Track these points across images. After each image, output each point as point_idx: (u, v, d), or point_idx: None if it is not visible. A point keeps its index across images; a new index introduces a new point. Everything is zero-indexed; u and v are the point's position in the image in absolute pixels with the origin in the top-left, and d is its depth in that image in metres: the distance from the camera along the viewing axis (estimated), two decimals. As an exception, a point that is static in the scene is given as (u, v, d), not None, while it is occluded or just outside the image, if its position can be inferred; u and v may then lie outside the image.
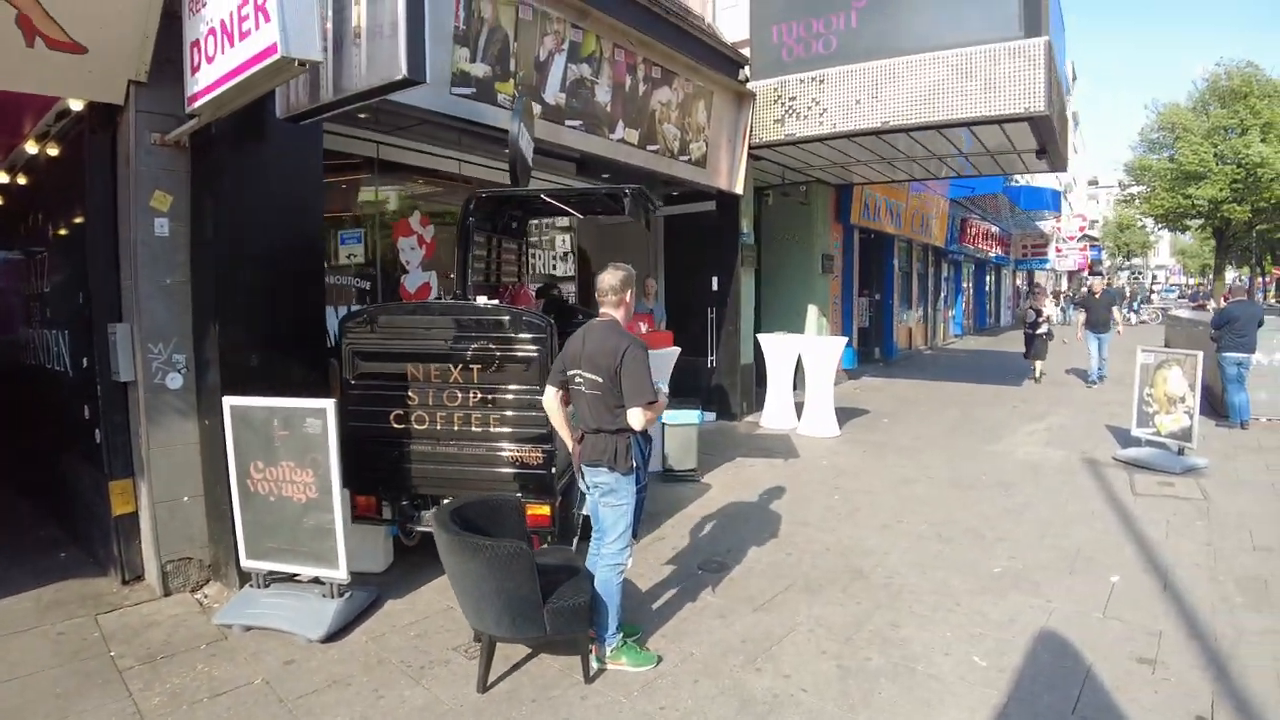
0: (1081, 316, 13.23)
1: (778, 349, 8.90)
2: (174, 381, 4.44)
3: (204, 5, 4.04)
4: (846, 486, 6.54)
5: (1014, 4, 7.32)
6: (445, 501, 4.02)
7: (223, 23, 3.88)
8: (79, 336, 4.88)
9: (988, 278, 26.94)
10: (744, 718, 3.13)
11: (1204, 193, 29.56)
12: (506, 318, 4.15)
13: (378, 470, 4.40)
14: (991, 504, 6.03)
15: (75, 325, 4.94)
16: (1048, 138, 8.28)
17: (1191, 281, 65.16)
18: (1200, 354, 7.37)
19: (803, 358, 8.76)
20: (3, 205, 6.35)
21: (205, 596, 4.37)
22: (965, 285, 24.56)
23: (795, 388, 9.16)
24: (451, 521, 3.34)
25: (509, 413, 4.18)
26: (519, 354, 4.12)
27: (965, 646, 3.68)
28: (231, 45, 3.82)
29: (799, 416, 8.93)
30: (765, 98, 8.61)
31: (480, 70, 5.67)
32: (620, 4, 6.76)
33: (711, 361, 9.50)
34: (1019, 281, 33.15)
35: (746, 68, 8.76)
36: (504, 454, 4.20)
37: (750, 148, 8.87)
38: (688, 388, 9.58)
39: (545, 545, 4.24)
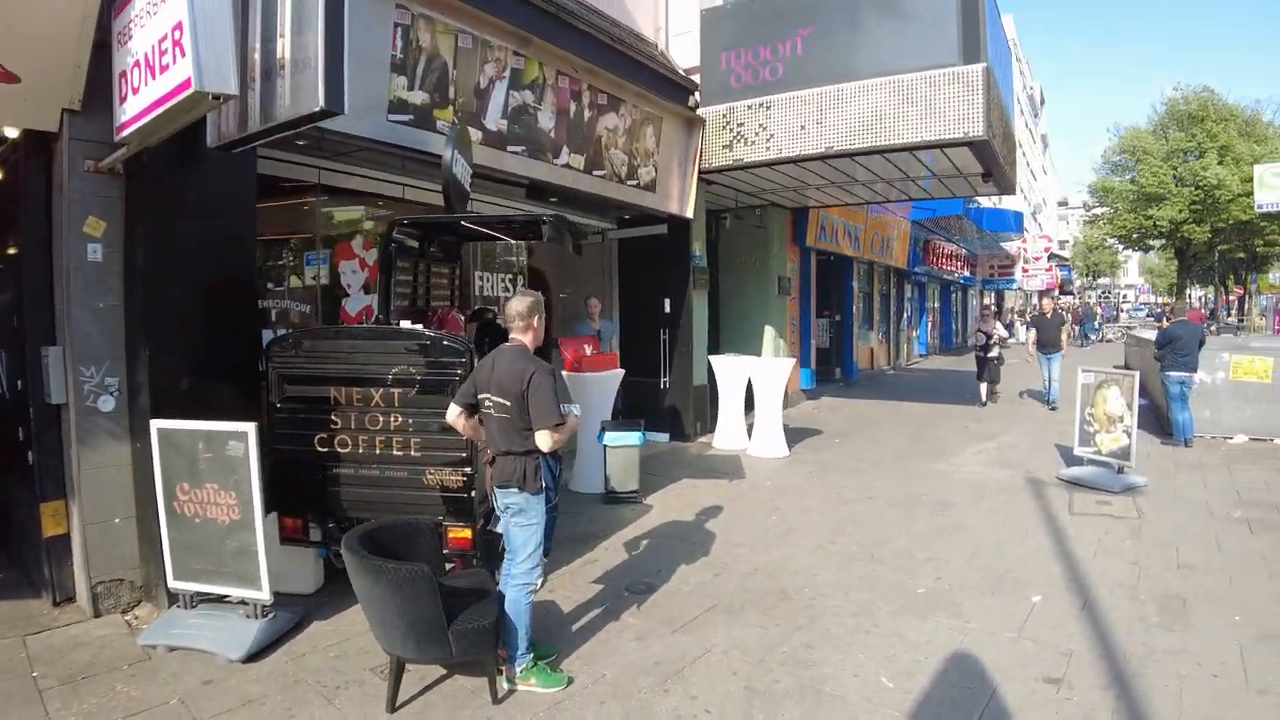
0: (1033, 336, 13.21)
1: (728, 370, 8.97)
2: (106, 404, 4.49)
3: (130, 38, 4.12)
4: (786, 507, 6.58)
5: (953, 32, 7.50)
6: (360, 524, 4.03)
7: (146, 55, 3.96)
8: (15, 359, 4.92)
9: (954, 298, 27.33)
10: (645, 742, 3.14)
11: (1164, 214, 30.25)
12: (426, 341, 4.19)
13: (304, 492, 4.43)
14: (927, 524, 6.10)
15: (11, 348, 4.98)
16: (990, 161, 8.46)
17: (1160, 300, 66.33)
18: (1137, 374, 7.53)
19: (752, 379, 8.83)
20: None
21: (135, 618, 4.40)
22: (930, 306, 24.89)
23: (749, 409, 9.22)
24: (361, 545, 3.39)
25: (429, 436, 4.20)
26: (438, 377, 4.16)
27: (876, 668, 3.71)
28: (154, 78, 3.90)
29: (750, 437, 8.98)
30: (715, 123, 8.74)
31: (418, 97, 5.72)
32: (564, 32, 6.86)
33: (665, 383, 9.55)
34: (988, 301, 33.59)
35: (697, 94, 8.90)
36: (425, 477, 4.22)
37: (701, 172, 8.98)
38: (641, 409, 9.63)
39: (469, 568, 4.25)
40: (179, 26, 3.59)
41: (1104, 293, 71.47)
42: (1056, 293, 44.58)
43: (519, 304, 3.65)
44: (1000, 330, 13.11)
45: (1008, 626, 4.17)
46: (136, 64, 4.07)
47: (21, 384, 4.79)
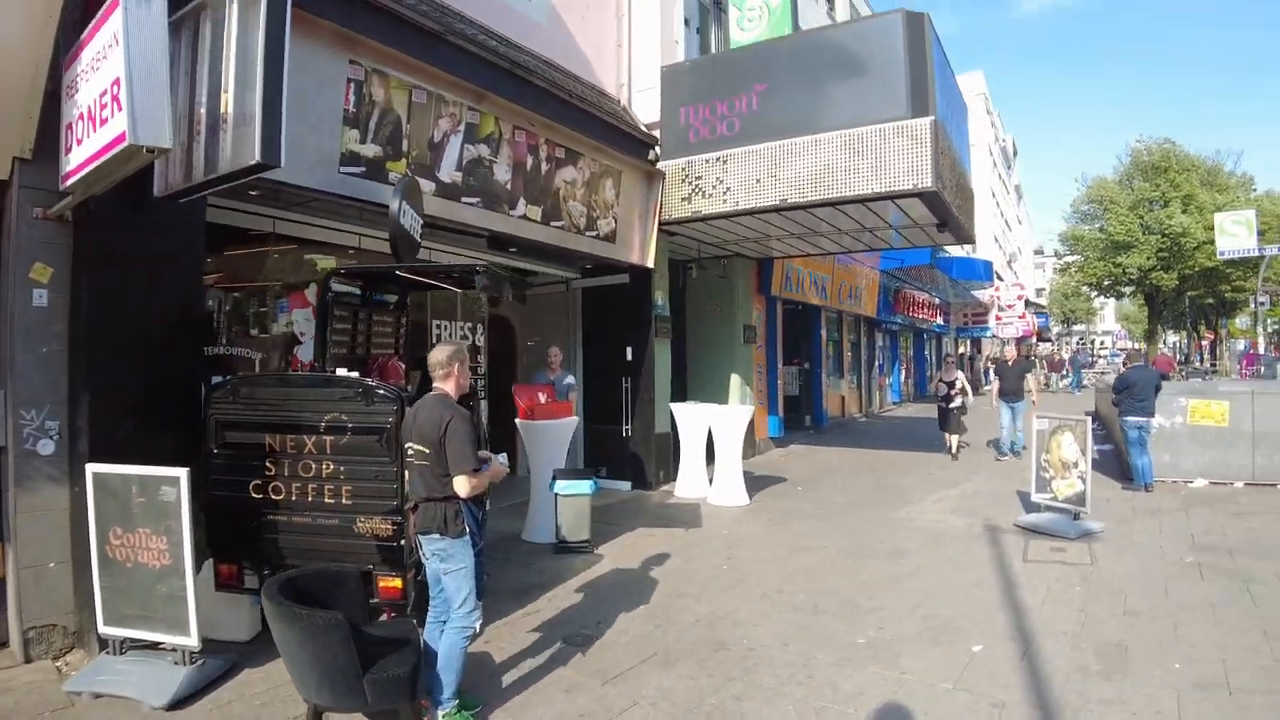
0: (995, 385, 12.76)
1: (689, 418, 8.99)
2: (45, 448, 4.46)
3: (77, 90, 4.24)
4: (739, 556, 6.54)
5: (902, 87, 7.75)
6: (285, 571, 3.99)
7: (89, 108, 4.07)
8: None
9: (927, 346, 27.62)
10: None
11: (1133, 261, 30.99)
12: (358, 389, 4.20)
13: (239, 539, 4.41)
14: (878, 573, 6.07)
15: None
16: (943, 212, 8.65)
17: (1136, 346, 67.47)
18: (1089, 419, 7.61)
19: (711, 427, 8.84)
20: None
21: (66, 663, 4.32)
22: (903, 353, 25.13)
23: (712, 457, 9.22)
24: (285, 592, 3.38)
25: (360, 484, 4.20)
26: (369, 425, 4.17)
27: (803, 720, 3.67)
28: (94, 130, 4.00)
29: (712, 485, 8.95)
30: (674, 176, 8.92)
31: (370, 150, 5.83)
32: (521, 89, 7.01)
33: (627, 431, 9.55)
34: (963, 349, 33.96)
35: (658, 147, 9.10)
36: (356, 525, 4.21)
37: (662, 224, 9.13)
38: (604, 457, 9.63)
39: (403, 617, 4.21)
40: (117, 81, 3.69)
41: (1081, 339, 72.44)
42: (1034, 340, 45.22)
43: (439, 353, 3.78)
44: (963, 379, 12.68)
45: (944, 677, 4.13)
46: (81, 116, 4.19)
47: (-37, 427, 4.75)
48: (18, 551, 4.33)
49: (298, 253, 6.84)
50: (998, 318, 31.03)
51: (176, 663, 4.03)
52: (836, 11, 17.98)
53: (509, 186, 7.07)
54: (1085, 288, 39.38)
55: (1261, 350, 25.35)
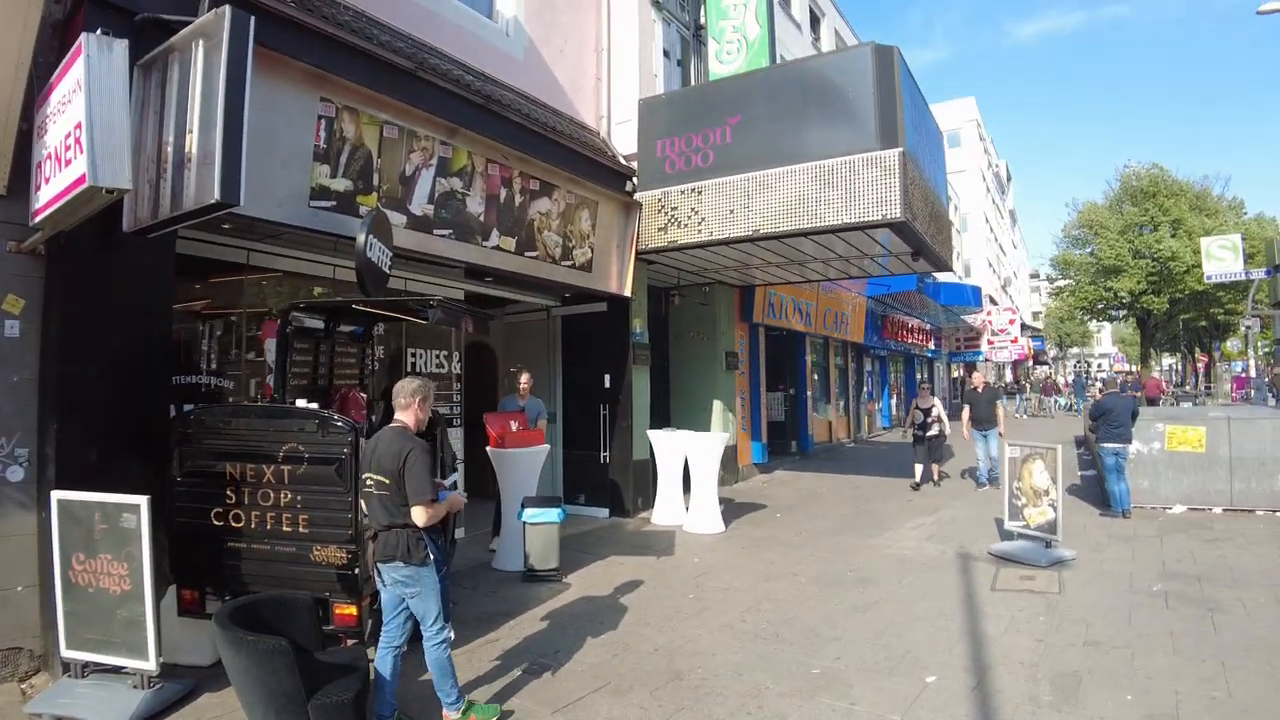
0: (966, 414, 12.22)
1: (666, 445, 9.04)
2: (15, 474, 4.60)
3: (46, 131, 4.39)
4: (707, 584, 6.56)
5: (871, 119, 7.90)
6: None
7: (56, 149, 4.23)
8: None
9: (918, 371, 27.69)
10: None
11: (1123, 285, 31.19)
12: (315, 421, 4.28)
13: (200, 565, 4.51)
14: (844, 601, 6.09)
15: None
16: (915, 241, 8.76)
17: (1133, 368, 67.56)
18: (1059, 447, 7.65)
19: (687, 455, 8.89)
20: None
21: (30, 686, 4.40)
22: (893, 379, 25.19)
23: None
24: (236, 618, 3.47)
25: (316, 513, 4.28)
26: (325, 455, 4.27)
27: (748, 751, 3.69)
28: (60, 170, 4.15)
29: (688, 512, 8.98)
30: (651, 207, 9.06)
31: (341, 185, 5.95)
32: (494, 123, 7.16)
33: (605, 457, 9.60)
34: (956, 374, 34.05)
35: (634, 178, 9.24)
36: (313, 553, 4.29)
37: (639, 253, 9.25)
38: (583, 483, 9.67)
39: (355, 644, 4.29)
40: (80, 125, 3.82)
41: (1078, 363, 72.53)
42: (1031, 363, 45.34)
43: (405, 385, 3.95)
44: (939, 408, 12.23)
45: (894, 708, 4.16)
46: (49, 155, 4.34)
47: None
48: (-13, 575, 4.43)
49: (273, 283, 6.94)
50: (990, 342, 31.17)
51: (135, 686, 4.12)
52: (822, 41, 18.31)
53: (482, 218, 7.18)
54: (1078, 312, 39.59)
55: (1253, 373, 25.41)
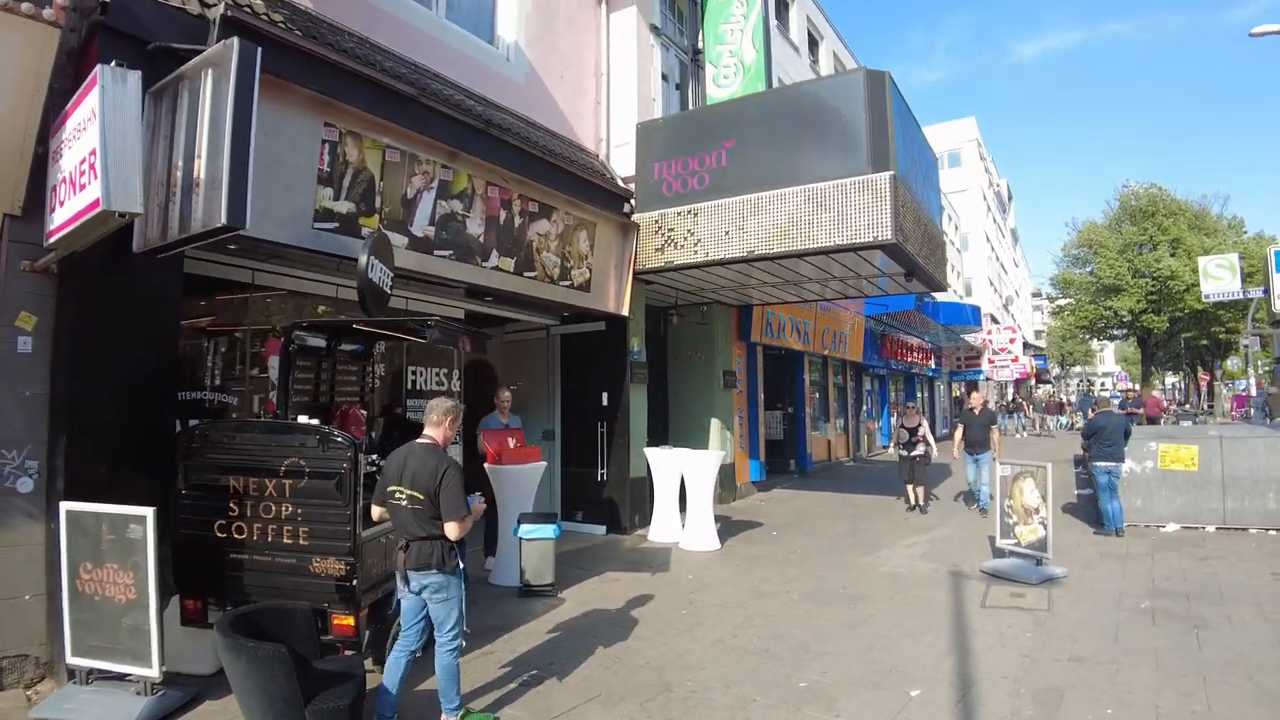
0: (959, 435, 11.71)
1: (662, 463, 9.15)
2: (24, 486, 4.72)
3: (61, 156, 4.57)
4: (700, 601, 6.65)
5: (863, 143, 8.07)
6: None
7: (71, 174, 4.40)
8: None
9: (918, 390, 27.77)
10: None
11: (1123, 304, 31.32)
12: (316, 436, 4.42)
13: (204, 576, 4.64)
14: (835, 618, 6.18)
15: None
16: (907, 262, 8.90)
17: (1135, 387, 67.57)
18: (1049, 466, 7.75)
19: (683, 472, 8.99)
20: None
21: (36, 692, 4.51)
22: (893, 397, 25.27)
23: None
24: (237, 627, 3.62)
25: (316, 526, 4.41)
26: (325, 470, 4.40)
27: (733, 762, 3.78)
28: (74, 194, 4.32)
29: (684, 530, 9.07)
30: (648, 228, 9.23)
31: (343, 207, 6.12)
32: (494, 147, 7.33)
33: (602, 475, 9.71)
34: (958, 393, 34.07)
35: (632, 200, 9.42)
36: (312, 565, 4.41)
37: (637, 273, 9.41)
38: (581, 500, 9.78)
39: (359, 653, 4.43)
40: (94, 152, 4.00)
41: (1081, 381, 72.47)
42: (1033, 382, 45.31)
43: (439, 404, 4.22)
44: (925, 427, 11.74)
45: (876, 720, 4.25)
46: (64, 180, 4.52)
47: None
48: (-6, 584, 4.55)
49: (277, 301, 7.09)
50: (991, 361, 31.24)
51: (139, 693, 4.26)
52: (820, 63, 18.57)
53: (481, 239, 7.35)
54: (1078, 331, 39.73)
55: (1253, 392, 25.43)
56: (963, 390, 34.81)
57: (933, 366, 27.88)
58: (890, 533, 9.86)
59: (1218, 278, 22.86)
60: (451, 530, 3.90)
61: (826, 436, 18.50)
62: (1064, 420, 31.69)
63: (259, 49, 4.37)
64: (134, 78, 4.01)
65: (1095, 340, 45.70)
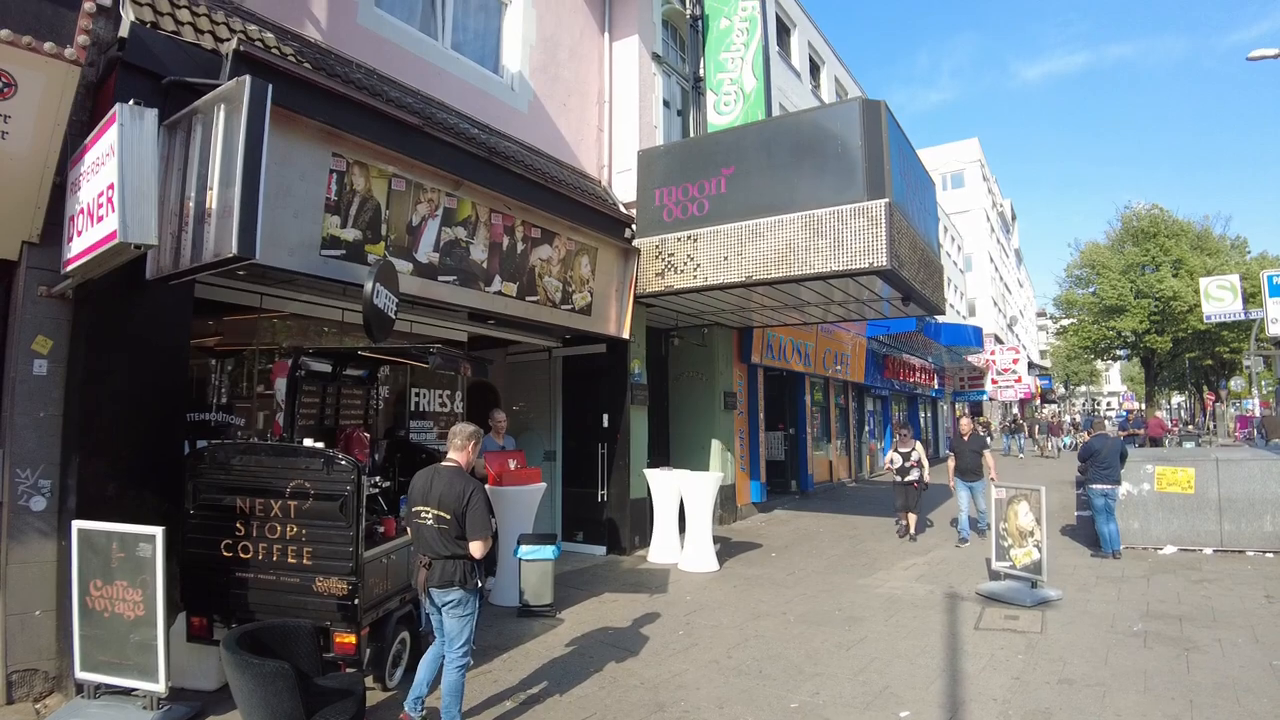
0: (951, 462, 11.25)
1: (662, 484, 9.25)
2: (38, 504, 4.86)
3: (79, 188, 4.75)
4: (697, 622, 6.73)
5: (859, 171, 8.23)
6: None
7: (89, 205, 4.58)
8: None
9: (921, 411, 27.81)
10: None
11: (1125, 324, 31.39)
12: (320, 459, 4.56)
13: (210, 594, 4.77)
14: (828, 640, 6.25)
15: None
16: (903, 287, 9.03)
17: (1140, 407, 67.35)
18: (1043, 488, 7.83)
19: (682, 493, 9.08)
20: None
21: (45, 706, 4.63)
22: (896, 418, 25.31)
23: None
24: (242, 643, 3.74)
25: (319, 546, 4.55)
26: (329, 492, 4.55)
27: (723, 781, 3.87)
28: (92, 225, 4.50)
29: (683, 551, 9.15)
30: (648, 253, 9.40)
31: (350, 235, 6.29)
32: (497, 175, 7.50)
33: (602, 495, 9.81)
34: (962, 413, 34.11)
35: (633, 225, 9.60)
36: (315, 584, 4.55)
37: (637, 297, 9.57)
38: (581, 520, 9.88)
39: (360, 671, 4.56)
40: (112, 186, 4.17)
41: (1086, 401, 72.29)
42: (1039, 402, 45.25)
43: (462, 429, 4.48)
44: (919, 452, 11.34)
45: (865, 741, 4.33)
46: (82, 211, 4.70)
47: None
48: (7, 600, 4.69)
49: (284, 323, 7.26)
50: (994, 381, 31.27)
51: (145, 707, 4.38)
52: (822, 89, 18.83)
53: (485, 265, 7.51)
54: (1081, 351, 39.79)
55: (1258, 412, 25.39)
56: (965, 411, 34.87)
57: (936, 387, 27.95)
58: (889, 554, 9.93)
59: (1219, 299, 22.93)
60: (476, 549, 4.15)
61: (828, 457, 18.56)
62: (1067, 441, 31.64)
63: (269, 85, 4.56)
64: (151, 116, 4.19)
65: (1099, 360, 45.75)
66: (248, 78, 4.47)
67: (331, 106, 5.96)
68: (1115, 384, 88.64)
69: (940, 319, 20.65)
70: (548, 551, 6.64)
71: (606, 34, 10.66)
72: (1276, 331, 16.23)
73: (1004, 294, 55.31)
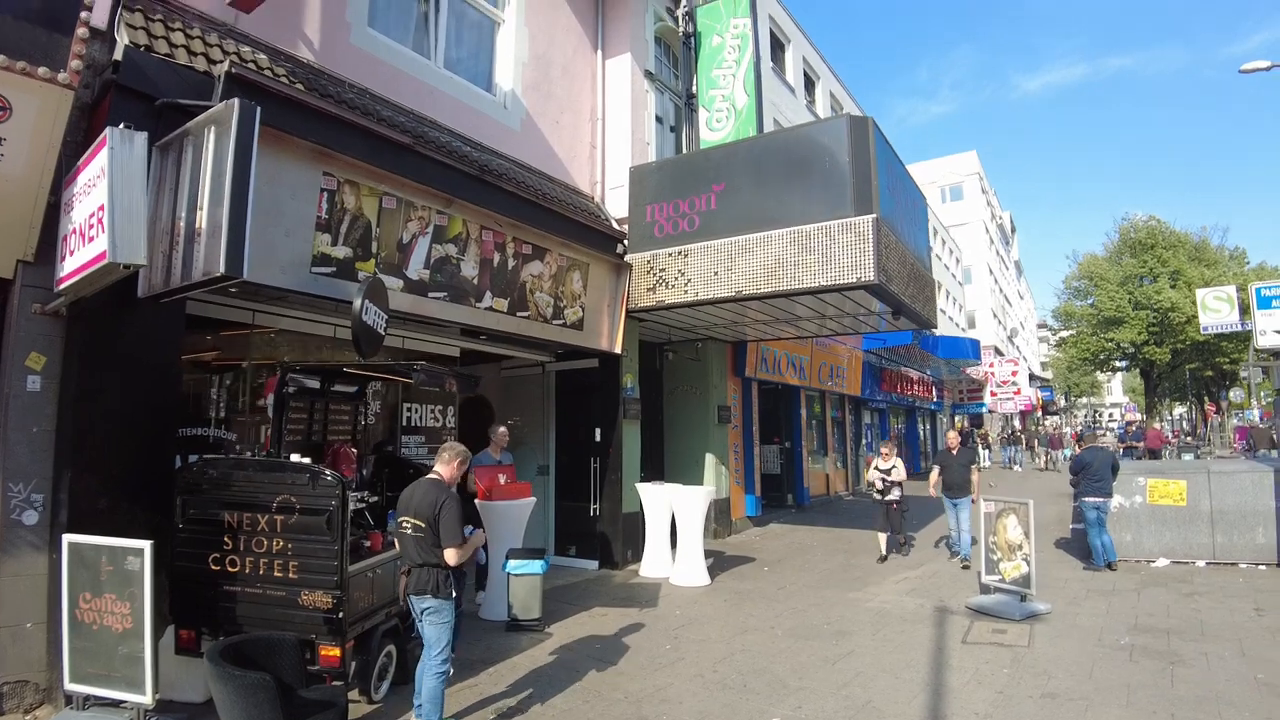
0: (935, 477, 10.82)
1: (653, 498, 9.28)
2: (30, 518, 4.93)
3: (73, 209, 4.85)
4: (685, 636, 6.76)
5: (846, 187, 8.31)
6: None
7: (81, 226, 4.68)
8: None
9: (919, 423, 27.81)
10: None
11: (1124, 336, 31.43)
12: (306, 475, 4.62)
13: (197, 607, 4.83)
14: (816, 654, 6.28)
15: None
16: (892, 301, 9.10)
17: (1141, 418, 67.20)
18: (1031, 502, 7.86)
19: (673, 508, 9.12)
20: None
21: (35, 718, 4.69)
22: (894, 431, 25.32)
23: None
24: (226, 656, 3.79)
25: (305, 560, 4.61)
26: (315, 507, 4.62)
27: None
28: (84, 245, 4.59)
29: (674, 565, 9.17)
30: (640, 268, 9.48)
31: (341, 252, 6.37)
32: (488, 193, 7.58)
33: (595, 510, 9.85)
34: (961, 425, 34.08)
35: (625, 241, 9.68)
36: (301, 598, 4.61)
37: (629, 311, 9.64)
38: (574, 534, 9.91)
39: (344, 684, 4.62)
40: (102, 207, 4.27)
41: (1087, 412, 72.19)
42: (1040, 414, 45.20)
43: (453, 447, 4.71)
44: (901, 470, 10.82)
45: (845, 755, 4.36)
46: (74, 230, 4.80)
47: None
48: (-1, 612, 4.75)
49: (273, 339, 7.34)
50: (993, 393, 31.28)
51: (131, 719, 4.40)
52: (816, 104, 18.98)
53: (475, 281, 7.59)
54: (1080, 362, 39.82)
55: (1258, 423, 25.35)
56: (965, 423, 34.83)
57: (935, 400, 27.96)
58: (881, 569, 9.95)
59: (1216, 310, 22.98)
60: (450, 556, 4.30)
61: (824, 470, 18.57)
62: (1068, 453, 31.61)
63: (258, 108, 4.64)
64: (140, 139, 4.28)
65: (1100, 372, 45.77)
66: (236, 101, 4.56)
67: (323, 126, 6.05)
68: (1118, 395, 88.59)
69: (937, 332, 20.72)
70: (536, 566, 6.68)
71: (599, 51, 10.79)
72: (1265, 344, 16.23)
73: (1004, 306, 55.36)
